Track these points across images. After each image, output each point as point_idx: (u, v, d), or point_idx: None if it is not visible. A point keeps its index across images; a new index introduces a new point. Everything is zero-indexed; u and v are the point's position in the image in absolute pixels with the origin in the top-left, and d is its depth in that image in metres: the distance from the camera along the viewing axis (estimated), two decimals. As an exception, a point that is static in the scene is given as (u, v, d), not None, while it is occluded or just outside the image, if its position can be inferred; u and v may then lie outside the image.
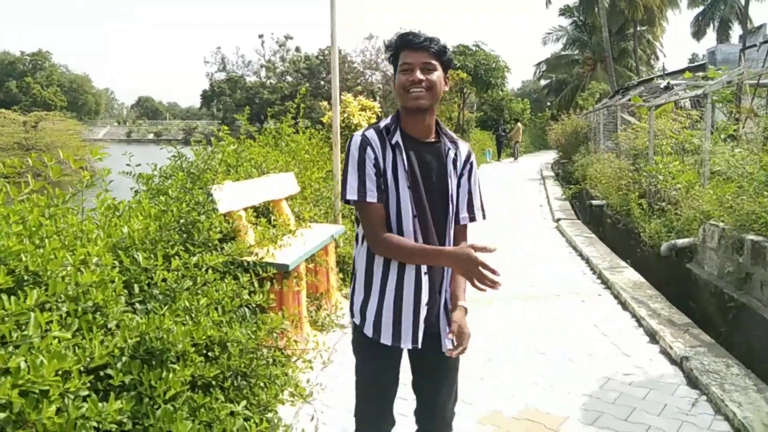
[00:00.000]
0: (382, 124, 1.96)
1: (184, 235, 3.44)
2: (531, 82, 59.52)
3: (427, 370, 2.12)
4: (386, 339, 1.98)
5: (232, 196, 4.08)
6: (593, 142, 15.12)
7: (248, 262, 3.71)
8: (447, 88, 1.99)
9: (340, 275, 5.50)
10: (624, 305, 5.14)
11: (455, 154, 2.01)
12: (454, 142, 2.02)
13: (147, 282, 2.87)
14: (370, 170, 1.89)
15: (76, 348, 2.30)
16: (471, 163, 2.07)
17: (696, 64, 23.51)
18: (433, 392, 2.12)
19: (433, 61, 1.89)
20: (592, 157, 13.37)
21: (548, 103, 46.84)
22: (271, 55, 43.87)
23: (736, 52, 19.47)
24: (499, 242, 8.13)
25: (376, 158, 1.90)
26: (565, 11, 40.13)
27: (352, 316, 2.08)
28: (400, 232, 1.93)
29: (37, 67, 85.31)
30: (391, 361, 2.07)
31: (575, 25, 41.34)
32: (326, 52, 39.07)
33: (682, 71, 21.05)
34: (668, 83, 13.40)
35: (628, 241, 7.59)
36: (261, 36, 44.29)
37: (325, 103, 8.53)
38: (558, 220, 9.54)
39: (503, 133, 27.45)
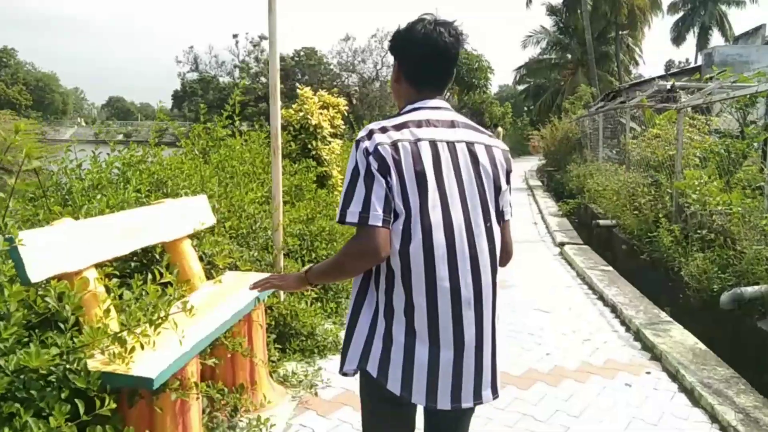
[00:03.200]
0: None
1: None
2: (508, 87, 58.35)
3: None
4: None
5: (66, 247, 2.36)
6: (589, 150, 13.61)
7: (82, 373, 2.00)
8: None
9: (277, 346, 3.79)
10: (691, 394, 3.50)
11: None
12: None
13: None
14: None
15: None
16: None
17: (690, 67, 22.31)
18: None
19: None
20: (590, 167, 11.83)
21: (525, 108, 45.63)
22: (245, 56, 42.10)
23: (734, 53, 18.21)
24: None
25: None
26: (553, 11, 38.87)
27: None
28: None
29: (2, 65, 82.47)
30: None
31: (557, 27, 40.12)
32: (302, 53, 37.50)
33: (677, 74, 19.83)
34: (673, 85, 12.00)
35: (656, 277, 6.00)
36: (235, 36, 42.46)
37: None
38: (561, 244, 7.93)
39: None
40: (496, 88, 61.67)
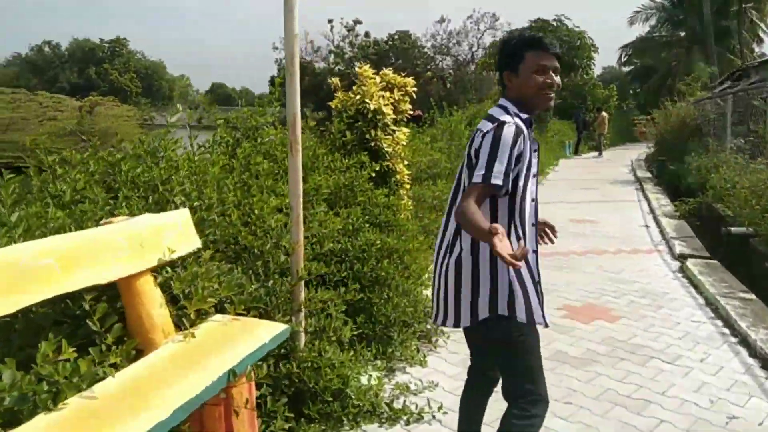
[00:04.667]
0: (522, 116, 2.11)
1: None
2: (613, 69, 54.53)
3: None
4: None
5: None
6: (712, 138, 11.67)
7: None
8: None
9: (289, 414, 2.75)
10: None
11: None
12: None
13: None
14: (513, 158, 1.98)
15: None
16: None
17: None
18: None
19: (558, 65, 2.17)
20: (714, 159, 10.01)
21: (631, 91, 42.26)
22: (339, 41, 41.74)
23: None
24: (587, 304, 4.98)
25: (522, 148, 2.02)
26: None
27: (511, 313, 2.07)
28: (522, 215, 2.10)
29: (115, 54, 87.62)
30: None
31: (670, 1, 36.59)
32: (395, 36, 36.48)
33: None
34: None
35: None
36: (330, 21, 42.18)
37: (336, 80, 5.79)
38: (682, 256, 6.42)
39: (582, 122, 23.80)
40: (599, 70, 57.85)
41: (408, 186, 5.82)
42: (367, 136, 5.13)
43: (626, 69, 43.44)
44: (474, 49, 31.79)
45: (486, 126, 2.06)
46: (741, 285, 5.24)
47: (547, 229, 2.44)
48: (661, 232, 7.97)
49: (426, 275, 4.63)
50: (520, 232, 2.10)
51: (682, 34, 36.43)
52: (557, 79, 2.14)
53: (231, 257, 3.10)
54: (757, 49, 38.77)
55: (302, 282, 3.04)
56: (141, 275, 2.26)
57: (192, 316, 2.33)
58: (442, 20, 32.24)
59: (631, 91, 42.39)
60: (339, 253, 3.78)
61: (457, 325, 2.15)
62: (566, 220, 8.77)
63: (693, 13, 33.96)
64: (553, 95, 2.14)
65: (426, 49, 34.61)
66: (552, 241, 2.45)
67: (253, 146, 3.94)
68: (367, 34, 41.09)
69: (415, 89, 5.65)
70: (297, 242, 3.00)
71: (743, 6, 33.91)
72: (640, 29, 40.78)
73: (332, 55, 42.72)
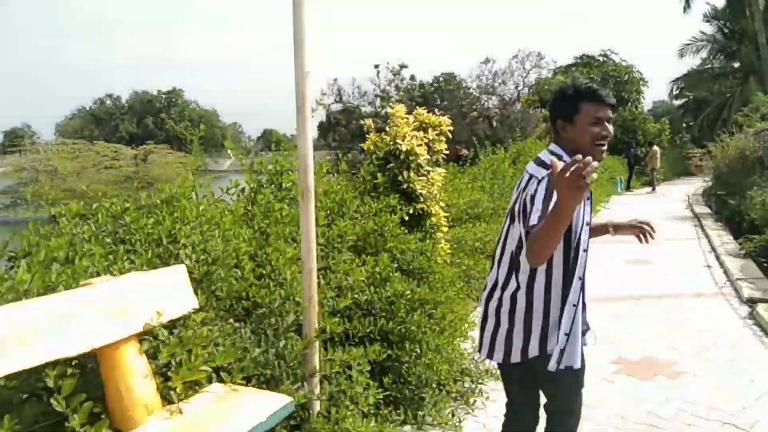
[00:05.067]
0: None
1: None
2: (664, 103, 53.28)
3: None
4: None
5: None
6: (777, 171, 10.92)
7: None
8: None
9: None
10: None
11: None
12: None
13: None
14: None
15: None
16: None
17: None
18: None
19: (612, 115, 2.18)
20: (781, 193, 9.31)
21: (684, 125, 40.94)
22: (386, 85, 42.28)
23: None
24: (645, 357, 4.57)
25: None
26: (712, 17, 34.45)
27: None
28: (576, 258, 2.11)
29: (171, 104, 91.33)
30: None
31: (721, 32, 35.59)
32: (441, 78, 36.67)
33: None
34: None
35: None
36: (377, 66, 42.96)
37: (369, 121, 5.57)
38: (752, 300, 5.82)
39: (634, 157, 23.01)
40: (649, 104, 56.61)
41: (445, 229, 5.49)
42: (400, 177, 4.86)
43: (678, 102, 42.30)
44: (520, 87, 31.59)
45: (540, 173, 2.09)
46: (823, 335, 4.64)
47: (644, 228, 2.44)
48: (726, 272, 7.33)
49: (464, 326, 4.26)
50: (574, 279, 2.12)
51: (736, 65, 35.26)
52: (611, 128, 2.16)
53: (239, 315, 2.83)
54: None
55: (316, 343, 2.73)
56: (121, 343, 1.99)
57: (178, 390, 2.04)
58: (487, 61, 32.21)
59: (684, 125, 41.14)
60: (364, 306, 3.46)
61: (506, 360, 2.19)
62: (619, 261, 8.21)
63: (747, 43, 32.85)
64: (606, 147, 2.17)
65: (471, 90, 34.66)
66: (652, 237, 2.46)
67: (273, 192, 3.70)
68: (412, 78, 41.49)
69: (450, 128, 5.37)
70: (310, 299, 2.70)
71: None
72: (691, 62, 39.73)
73: (378, 99, 43.25)
